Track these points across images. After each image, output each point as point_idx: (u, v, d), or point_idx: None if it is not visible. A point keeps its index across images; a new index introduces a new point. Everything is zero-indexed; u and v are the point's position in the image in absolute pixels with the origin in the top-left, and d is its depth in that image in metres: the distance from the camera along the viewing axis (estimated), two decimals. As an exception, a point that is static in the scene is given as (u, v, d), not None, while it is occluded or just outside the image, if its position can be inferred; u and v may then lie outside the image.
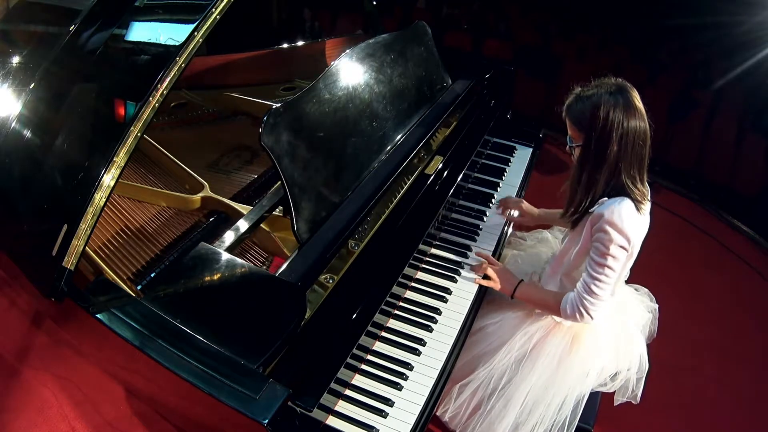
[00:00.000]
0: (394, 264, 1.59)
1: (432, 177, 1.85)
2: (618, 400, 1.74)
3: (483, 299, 1.78)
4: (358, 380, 1.46)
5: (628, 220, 1.43)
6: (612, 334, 1.69)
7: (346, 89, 1.73)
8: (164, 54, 1.51)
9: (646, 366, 1.73)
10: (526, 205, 2.01)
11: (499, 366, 1.64)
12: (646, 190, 1.52)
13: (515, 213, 2.03)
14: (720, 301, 2.89)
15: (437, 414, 1.73)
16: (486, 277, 1.75)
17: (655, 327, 1.86)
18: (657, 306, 1.87)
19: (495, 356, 1.66)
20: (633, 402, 1.73)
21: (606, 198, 1.49)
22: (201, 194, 1.76)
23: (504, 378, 1.63)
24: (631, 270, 1.76)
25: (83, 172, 1.43)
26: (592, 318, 1.53)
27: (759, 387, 2.45)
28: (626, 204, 1.45)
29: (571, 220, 1.60)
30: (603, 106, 1.41)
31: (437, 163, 1.91)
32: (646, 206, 1.51)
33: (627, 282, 1.85)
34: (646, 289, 1.90)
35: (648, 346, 1.79)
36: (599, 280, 1.48)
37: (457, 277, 1.77)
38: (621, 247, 1.45)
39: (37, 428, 2.01)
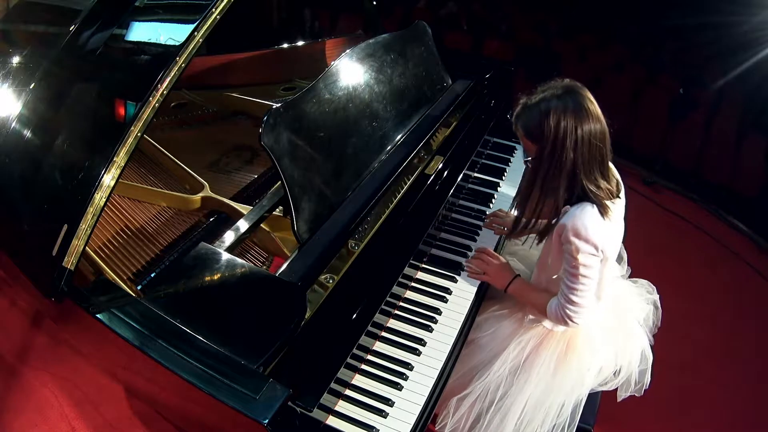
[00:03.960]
0: (394, 264, 1.59)
1: (432, 177, 1.85)
2: (621, 395, 1.72)
3: (483, 299, 1.78)
4: (358, 380, 1.46)
5: (592, 227, 1.38)
6: (609, 335, 1.67)
7: (347, 89, 1.73)
8: (164, 54, 1.51)
9: (649, 358, 1.70)
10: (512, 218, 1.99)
11: (495, 378, 1.62)
12: (615, 186, 1.48)
13: (503, 227, 1.99)
14: (720, 301, 2.89)
15: (436, 429, 1.72)
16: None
17: (658, 318, 1.83)
18: (658, 297, 1.85)
19: (490, 368, 1.63)
20: (637, 395, 1.71)
21: (568, 207, 1.45)
22: (201, 194, 1.76)
23: (500, 390, 1.61)
24: (630, 267, 1.76)
25: (83, 172, 1.43)
26: (576, 324, 1.52)
27: (759, 387, 2.45)
28: (588, 211, 1.40)
29: (536, 235, 1.56)
30: (552, 113, 1.34)
31: (437, 163, 1.91)
32: (617, 205, 1.46)
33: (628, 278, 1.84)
34: (645, 281, 1.88)
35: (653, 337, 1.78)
36: (576, 289, 1.46)
37: (457, 277, 1.76)
38: (590, 254, 1.41)
39: (37, 428, 2.01)
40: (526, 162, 1.48)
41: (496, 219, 1.98)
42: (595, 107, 1.39)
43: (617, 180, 1.51)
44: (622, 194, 1.51)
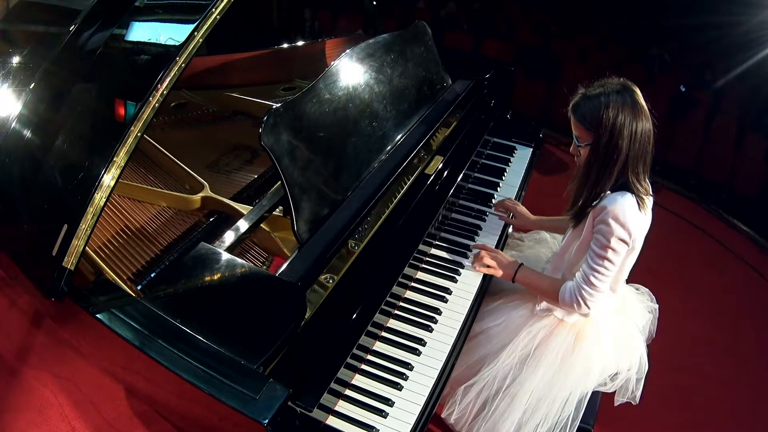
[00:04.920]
0: (394, 264, 1.59)
1: (432, 177, 1.85)
2: (618, 400, 1.74)
3: (483, 299, 1.78)
4: (358, 380, 1.46)
5: (630, 214, 1.45)
6: (613, 334, 1.69)
7: (346, 89, 1.73)
8: (164, 54, 1.51)
9: (645, 367, 1.73)
10: (521, 208, 2.01)
11: (503, 366, 1.65)
12: (648, 185, 1.54)
13: (511, 216, 2.02)
14: (720, 301, 2.89)
15: (442, 416, 1.74)
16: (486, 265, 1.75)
17: (655, 328, 1.86)
18: (657, 306, 1.87)
19: (499, 357, 1.66)
20: (632, 402, 1.73)
21: (608, 192, 1.51)
22: (201, 194, 1.76)
23: (508, 378, 1.64)
24: (631, 269, 1.76)
25: (83, 172, 1.43)
26: (588, 309, 1.54)
27: (758, 387, 2.45)
28: (629, 198, 1.47)
29: (574, 218, 1.61)
30: (612, 106, 1.43)
31: (437, 163, 1.91)
32: (649, 202, 1.52)
33: (627, 281, 1.85)
34: (647, 289, 1.91)
35: (648, 346, 1.79)
36: (598, 272, 1.50)
37: (457, 277, 1.77)
38: (622, 240, 1.46)
39: (37, 428, 2.01)
40: (577, 147, 1.55)
41: (503, 206, 2.01)
42: (645, 106, 1.46)
43: (649, 183, 1.57)
44: (651, 192, 1.56)
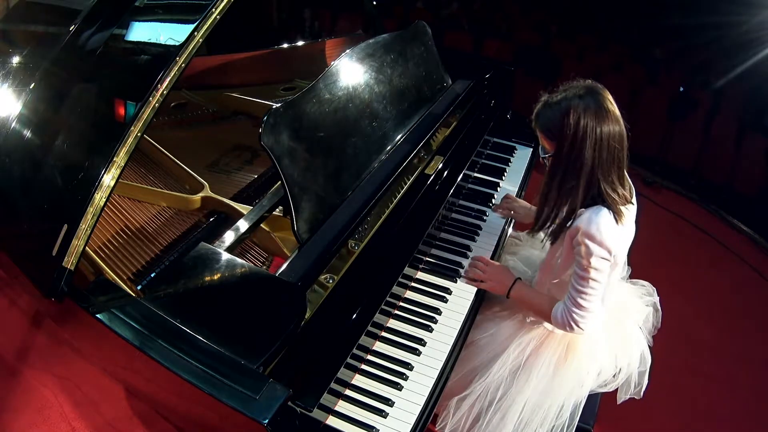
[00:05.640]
0: (394, 264, 1.59)
1: (432, 177, 1.85)
2: (621, 398, 1.72)
3: (483, 299, 1.78)
4: (358, 380, 1.46)
5: (606, 231, 1.38)
6: (608, 337, 1.67)
7: (346, 89, 1.73)
8: (164, 54, 1.51)
9: (648, 360, 1.70)
10: (521, 202, 2.02)
11: (495, 378, 1.61)
12: (629, 191, 1.48)
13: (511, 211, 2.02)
14: (720, 301, 2.89)
15: (436, 430, 1.72)
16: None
17: (659, 319, 1.82)
18: (657, 298, 1.84)
19: (490, 369, 1.63)
20: (636, 397, 1.71)
21: (583, 209, 1.44)
22: (201, 194, 1.76)
23: (500, 390, 1.61)
24: (630, 267, 1.76)
25: (83, 172, 1.43)
26: (582, 330, 1.50)
27: (759, 387, 2.45)
28: (603, 214, 1.39)
29: (549, 236, 1.54)
30: (572, 111, 1.34)
31: (437, 163, 1.91)
32: (628, 212, 1.45)
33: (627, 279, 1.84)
34: (647, 282, 1.88)
35: (652, 338, 1.77)
36: (585, 293, 1.44)
37: (457, 277, 1.76)
38: (602, 258, 1.40)
39: (37, 428, 2.01)
40: (543, 159, 1.48)
41: (505, 203, 2.00)
42: (615, 109, 1.39)
43: (630, 185, 1.51)
44: (634, 199, 1.51)
